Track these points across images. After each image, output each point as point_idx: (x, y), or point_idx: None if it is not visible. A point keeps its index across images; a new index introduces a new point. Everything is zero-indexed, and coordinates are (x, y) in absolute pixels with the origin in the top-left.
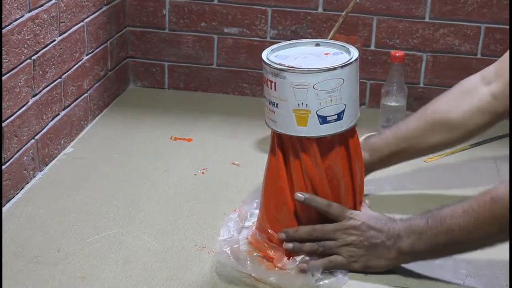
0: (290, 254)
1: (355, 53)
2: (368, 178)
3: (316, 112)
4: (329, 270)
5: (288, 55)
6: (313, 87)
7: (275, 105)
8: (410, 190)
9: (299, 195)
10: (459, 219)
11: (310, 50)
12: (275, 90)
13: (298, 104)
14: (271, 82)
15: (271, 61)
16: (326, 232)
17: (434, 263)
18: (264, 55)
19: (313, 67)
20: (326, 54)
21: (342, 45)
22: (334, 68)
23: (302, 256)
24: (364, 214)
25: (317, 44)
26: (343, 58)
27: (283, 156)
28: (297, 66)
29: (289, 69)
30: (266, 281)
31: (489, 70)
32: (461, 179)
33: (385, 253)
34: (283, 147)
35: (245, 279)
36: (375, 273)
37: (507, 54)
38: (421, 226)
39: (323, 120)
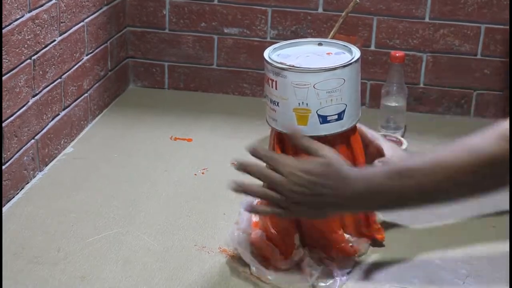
0: (287, 254)
1: (357, 53)
2: None
3: (317, 112)
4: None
5: (290, 54)
6: (314, 86)
7: (276, 103)
8: None
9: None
10: (429, 174)
11: (312, 49)
12: (276, 88)
13: (299, 103)
14: (272, 80)
15: (272, 60)
16: (275, 183)
17: (434, 262)
18: (266, 53)
19: (313, 67)
20: (328, 53)
21: (344, 45)
22: (335, 68)
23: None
24: (317, 166)
25: (320, 44)
26: (345, 58)
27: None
28: (298, 65)
29: (290, 68)
30: (265, 279)
31: None
32: None
33: (342, 206)
34: (283, 145)
35: (246, 279)
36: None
37: None
38: (386, 184)
39: (324, 119)
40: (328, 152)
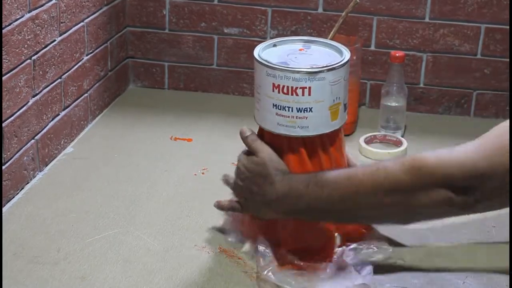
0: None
1: (333, 42)
2: None
3: (343, 102)
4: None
5: (278, 57)
6: (344, 79)
7: (308, 110)
8: None
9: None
10: (340, 186)
11: (286, 50)
12: (310, 94)
13: (333, 100)
14: (304, 88)
15: (303, 67)
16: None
17: (434, 262)
18: (285, 64)
19: (332, 62)
20: (300, 50)
21: (301, 39)
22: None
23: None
24: (252, 165)
25: (274, 45)
26: (323, 51)
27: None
28: (328, 64)
29: (327, 68)
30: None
31: None
32: None
33: (266, 210)
34: (303, 148)
35: (245, 279)
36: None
37: None
38: (300, 190)
39: (345, 107)
40: (266, 154)
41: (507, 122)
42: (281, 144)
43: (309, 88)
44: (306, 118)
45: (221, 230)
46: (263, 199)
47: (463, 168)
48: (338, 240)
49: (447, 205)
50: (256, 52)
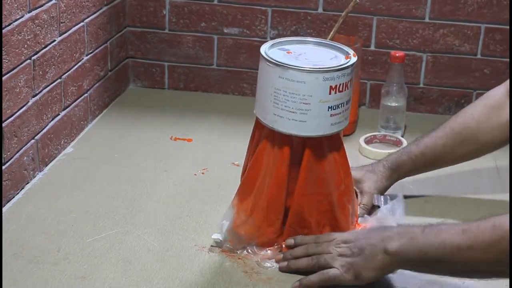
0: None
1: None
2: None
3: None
4: (326, 285)
5: (292, 53)
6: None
7: (348, 102)
8: (410, 190)
9: (289, 240)
10: (455, 236)
11: (292, 48)
12: (348, 88)
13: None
14: (346, 83)
15: (346, 61)
16: (320, 248)
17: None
18: (331, 64)
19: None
20: (288, 52)
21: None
22: None
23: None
24: (357, 231)
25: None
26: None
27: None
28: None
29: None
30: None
31: None
32: (461, 178)
33: (372, 254)
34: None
35: (245, 279)
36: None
37: None
38: (415, 232)
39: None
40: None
41: None
42: (322, 144)
43: (350, 81)
44: (347, 110)
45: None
46: (372, 241)
47: None
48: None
49: None
50: (297, 63)
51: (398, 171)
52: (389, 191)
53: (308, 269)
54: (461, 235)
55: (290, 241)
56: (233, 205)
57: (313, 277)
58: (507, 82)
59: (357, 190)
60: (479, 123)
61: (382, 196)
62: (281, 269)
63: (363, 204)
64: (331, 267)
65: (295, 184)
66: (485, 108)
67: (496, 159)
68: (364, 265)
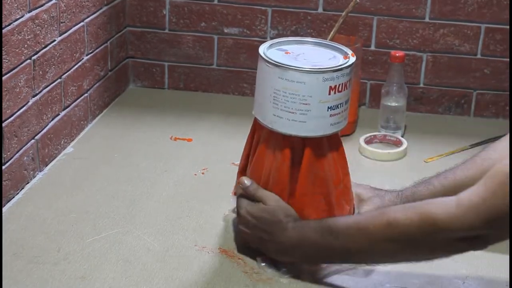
0: None
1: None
2: (368, 178)
3: None
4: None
5: (296, 53)
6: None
7: (347, 102)
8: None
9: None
10: (354, 237)
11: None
12: (347, 88)
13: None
14: (345, 83)
15: (346, 62)
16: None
17: (434, 262)
18: (329, 64)
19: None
20: (286, 53)
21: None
22: None
23: None
24: (269, 211)
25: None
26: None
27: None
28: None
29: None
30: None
31: None
32: None
33: (278, 252)
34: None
35: (245, 279)
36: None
37: None
38: (314, 240)
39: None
40: (274, 200)
41: (507, 164)
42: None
43: (350, 80)
44: (346, 110)
45: (221, 230)
46: (277, 246)
47: (473, 223)
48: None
49: (459, 252)
50: (304, 65)
51: (413, 201)
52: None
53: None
54: (359, 234)
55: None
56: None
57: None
58: None
59: (355, 209)
60: (502, 154)
61: None
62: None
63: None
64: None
65: (295, 184)
66: (507, 141)
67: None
68: (272, 255)
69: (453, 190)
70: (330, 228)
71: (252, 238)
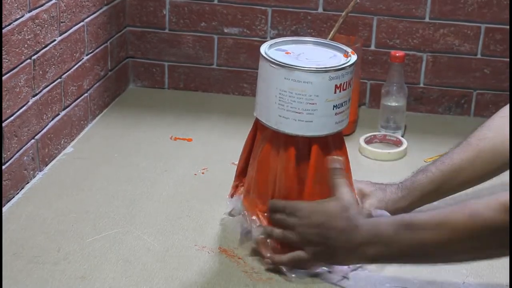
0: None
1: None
2: (368, 178)
3: None
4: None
5: (296, 53)
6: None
7: (349, 100)
8: None
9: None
10: (432, 232)
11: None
12: (350, 86)
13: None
14: (349, 81)
15: (347, 62)
16: (291, 224)
17: None
18: (330, 63)
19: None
20: (287, 53)
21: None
22: None
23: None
24: (329, 211)
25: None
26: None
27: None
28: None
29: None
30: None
31: None
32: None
33: (347, 255)
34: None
35: (245, 279)
36: None
37: None
38: (389, 236)
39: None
40: (347, 195)
41: None
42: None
43: (352, 79)
44: (348, 108)
45: (221, 230)
46: (345, 244)
47: None
48: None
49: None
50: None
51: (413, 190)
52: None
53: (280, 240)
54: (438, 229)
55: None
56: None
57: (284, 258)
58: None
59: (359, 204)
60: (496, 133)
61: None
62: (262, 234)
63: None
64: (301, 248)
65: (303, 184)
66: (500, 118)
67: None
68: (337, 261)
69: (451, 174)
70: (407, 222)
71: (311, 238)
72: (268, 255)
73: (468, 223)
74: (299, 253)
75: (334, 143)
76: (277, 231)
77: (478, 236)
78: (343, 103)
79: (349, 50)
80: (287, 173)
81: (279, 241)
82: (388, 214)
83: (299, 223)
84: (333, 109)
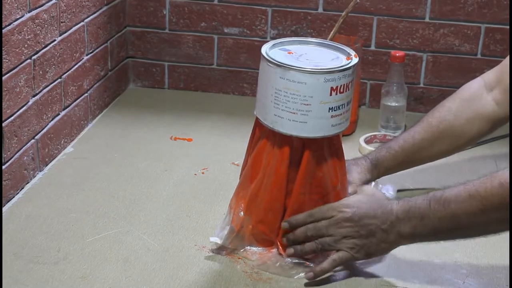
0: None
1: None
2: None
3: None
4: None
5: (299, 54)
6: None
7: (348, 103)
8: (410, 190)
9: (284, 224)
10: (464, 203)
11: (292, 48)
12: (349, 89)
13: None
14: (347, 84)
15: (347, 63)
16: (319, 229)
17: (434, 262)
18: (332, 64)
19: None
20: (289, 53)
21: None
22: None
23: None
24: (355, 202)
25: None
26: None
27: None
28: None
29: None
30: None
31: (490, 75)
32: (461, 179)
33: (384, 237)
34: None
35: (245, 279)
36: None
37: (507, 59)
38: (423, 209)
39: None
40: (365, 188)
41: None
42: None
43: (352, 81)
44: (348, 111)
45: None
46: (382, 225)
47: None
48: None
49: None
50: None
51: (378, 166)
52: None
53: (313, 253)
54: (471, 200)
55: (285, 224)
56: (230, 207)
57: (325, 265)
58: (484, 75)
59: None
60: (456, 116)
61: (384, 186)
62: (289, 256)
63: (349, 193)
64: (338, 249)
65: (293, 184)
66: (461, 101)
67: (496, 160)
68: (376, 247)
69: (412, 153)
70: (439, 197)
71: (350, 235)
72: (309, 271)
73: (499, 192)
74: (338, 254)
75: (329, 145)
76: (309, 244)
77: (510, 204)
78: (341, 106)
79: (352, 52)
80: (278, 172)
81: (315, 254)
82: (392, 188)
83: (328, 224)
84: (329, 111)
